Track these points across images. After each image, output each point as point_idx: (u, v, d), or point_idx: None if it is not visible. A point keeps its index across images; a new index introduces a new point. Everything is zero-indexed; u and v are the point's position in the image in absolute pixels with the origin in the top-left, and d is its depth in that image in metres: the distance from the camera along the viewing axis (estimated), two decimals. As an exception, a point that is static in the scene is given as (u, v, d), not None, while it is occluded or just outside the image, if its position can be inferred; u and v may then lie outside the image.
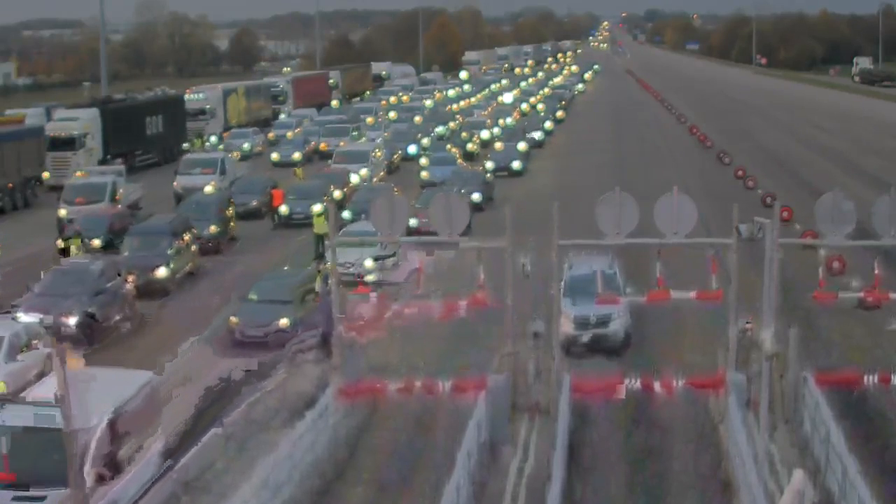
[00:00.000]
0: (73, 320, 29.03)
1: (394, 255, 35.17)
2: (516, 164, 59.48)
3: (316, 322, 28.42)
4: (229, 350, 28.01)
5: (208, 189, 48.18)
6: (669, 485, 20.34)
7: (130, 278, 32.41)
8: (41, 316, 28.66)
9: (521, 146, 65.17)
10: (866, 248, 26.50)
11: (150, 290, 33.80)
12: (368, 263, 34.33)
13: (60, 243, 37.33)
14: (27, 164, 53.63)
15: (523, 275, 25.11)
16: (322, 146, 67.43)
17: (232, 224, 42.88)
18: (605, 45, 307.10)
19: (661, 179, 47.34)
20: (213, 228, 40.70)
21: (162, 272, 34.49)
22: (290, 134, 73.78)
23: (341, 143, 63.54)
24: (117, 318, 30.86)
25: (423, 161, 58.15)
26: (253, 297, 30.11)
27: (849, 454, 18.44)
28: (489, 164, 58.45)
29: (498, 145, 65.85)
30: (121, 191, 46.51)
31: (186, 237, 37.16)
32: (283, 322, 28.85)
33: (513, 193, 47.57)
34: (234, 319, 29.22)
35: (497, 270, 23.95)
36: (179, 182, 51.32)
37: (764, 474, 19.49)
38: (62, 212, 43.86)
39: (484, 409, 21.49)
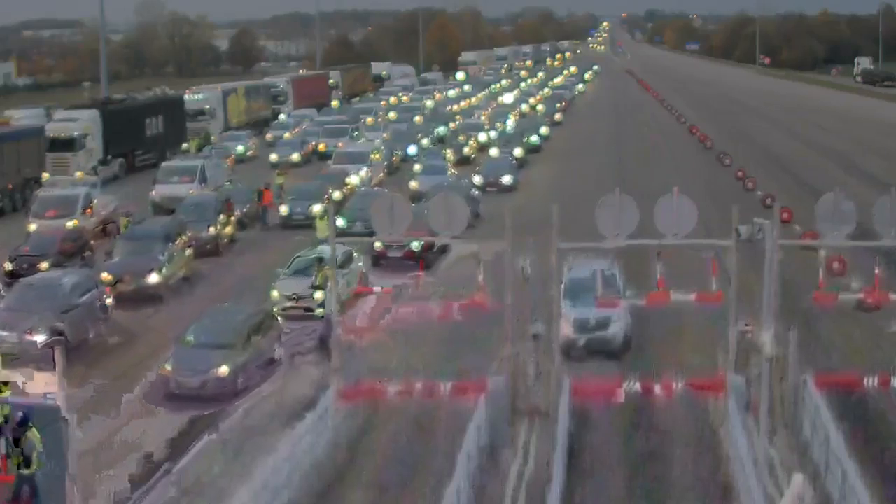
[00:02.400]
0: (39, 338, 27.06)
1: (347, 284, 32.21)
2: (506, 179, 53.98)
3: (261, 368, 26.41)
4: (164, 404, 24.99)
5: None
6: (669, 488, 20.30)
7: (108, 290, 31.20)
8: (4, 334, 27.09)
9: (517, 152, 63.03)
10: (866, 248, 26.41)
11: (142, 296, 32.98)
12: (319, 295, 30.91)
13: (7, 265, 35.43)
14: (27, 165, 53.50)
15: (523, 277, 25.04)
16: (321, 147, 67.00)
17: (230, 226, 42.21)
18: (603, 47, 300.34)
19: (661, 181, 47.26)
20: (211, 230, 40.20)
21: (154, 278, 33.62)
22: (287, 135, 73.02)
23: (339, 144, 63.37)
24: (91, 335, 29.34)
25: (417, 167, 55.76)
26: (189, 339, 26.58)
27: (848, 458, 18.40)
28: (477, 179, 53.24)
29: (493, 152, 62.82)
30: (95, 202, 43.90)
31: (181, 241, 36.36)
32: (223, 370, 25.30)
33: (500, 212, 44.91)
34: (167, 367, 25.67)
35: (497, 273, 23.85)
36: (157, 191, 49.07)
37: (764, 478, 19.45)
38: (32, 226, 40.93)
39: (484, 412, 21.45)
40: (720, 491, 19.86)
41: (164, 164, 54.42)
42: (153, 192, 49.07)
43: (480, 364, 25.14)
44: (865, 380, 22.50)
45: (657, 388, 22.58)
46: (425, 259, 34.93)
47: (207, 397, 24.97)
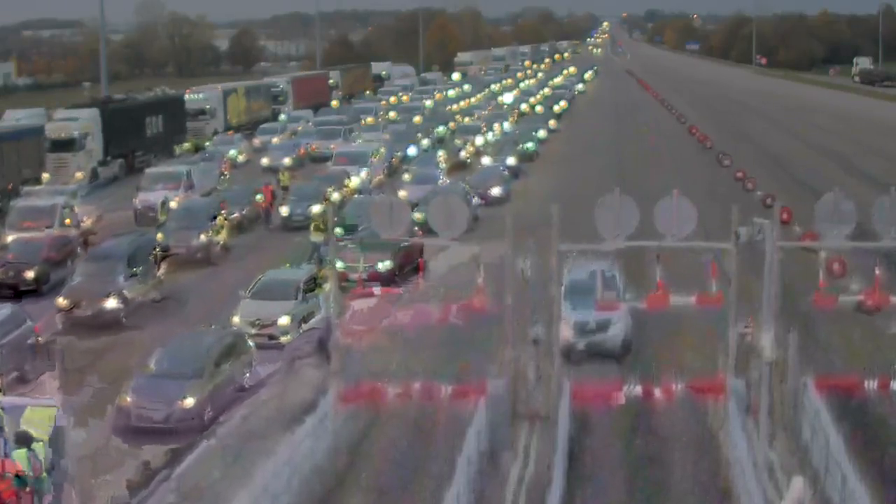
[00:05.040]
0: None
1: (313, 312, 30.16)
2: (496, 191, 50.23)
3: (229, 397, 24.76)
4: (125, 439, 23.06)
5: (173, 205, 44.52)
6: (669, 492, 20.26)
7: (37, 329, 28.21)
8: None
9: (511, 160, 59.75)
10: (866, 249, 26.34)
11: (99, 323, 30.76)
12: (284, 321, 29.24)
13: None
14: (27, 166, 53.39)
15: (523, 279, 24.95)
16: (312, 148, 65.90)
17: (223, 232, 40.32)
18: (600, 49, 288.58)
19: (661, 181, 47.16)
20: (202, 237, 38.62)
21: (111, 303, 31.22)
22: (275, 140, 71.18)
23: (332, 146, 62.98)
24: (13, 376, 26.26)
25: (406, 177, 52.75)
26: (151, 368, 24.80)
27: (848, 461, 18.35)
28: None
29: (485, 160, 59.99)
30: (77, 211, 41.93)
31: (153, 257, 34.13)
32: (188, 402, 23.57)
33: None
34: (127, 398, 23.75)
35: (497, 275, 23.75)
36: (140, 199, 46.72)
37: (763, 481, 19.41)
38: (9, 237, 38.44)
39: (484, 416, 21.40)
40: (720, 494, 19.84)
41: (147, 170, 52.84)
42: (136, 200, 46.89)
43: (480, 366, 25.06)
44: (866, 383, 22.44)
45: (657, 392, 22.52)
46: (394, 282, 33.07)
47: (171, 431, 23.16)
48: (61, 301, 31.33)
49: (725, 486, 19.97)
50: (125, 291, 31.90)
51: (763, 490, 18.76)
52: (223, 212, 41.32)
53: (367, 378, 23.75)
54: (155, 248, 35.03)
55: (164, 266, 34.84)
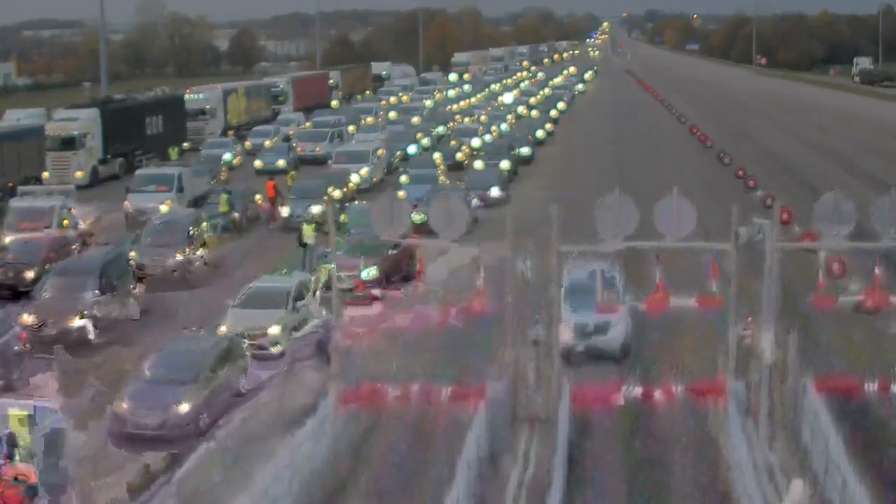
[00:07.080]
0: None
1: (305, 320, 29.35)
2: (495, 192, 49.80)
3: (225, 402, 24.22)
4: (120, 445, 22.45)
5: (163, 208, 43.54)
6: (669, 494, 20.23)
7: (24, 336, 27.32)
8: None
9: (504, 164, 57.44)
10: (865, 249, 26.28)
11: (66, 342, 28.14)
12: (274, 330, 28.26)
13: None
14: (27, 164, 53.45)
15: (523, 281, 24.90)
16: (298, 150, 65.13)
17: (203, 247, 38.22)
18: (598, 52, 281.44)
19: (661, 180, 47.09)
20: (178, 256, 36.26)
21: (78, 323, 29.30)
22: (268, 143, 70.27)
23: (317, 149, 63.20)
24: None
25: (403, 179, 52.16)
26: (146, 374, 24.23)
27: (848, 463, 18.34)
28: None
29: (478, 165, 58.19)
30: (74, 212, 41.07)
31: (129, 272, 32.64)
32: (183, 408, 23.03)
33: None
34: (122, 405, 23.17)
35: (498, 277, 23.72)
36: (130, 201, 45.51)
37: (763, 483, 19.38)
38: (6, 238, 38.02)
39: (484, 419, 21.36)
40: (720, 497, 19.81)
41: (138, 171, 51.98)
42: (126, 203, 45.74)
43: (480, 369, 24.99)
44: (866, 384, 22.42)
45: (657, 394, 22.50)
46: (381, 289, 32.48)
47: (168, 438, 22.66)
48: (26, 318, 29.29)
49: (725, 489, 19.94)
50: (95, 310, 29.97)
51: (763, 492, 18.74)
52: (206, 222, 39.63)
53: (366, 380, 23.69)
54: (129, 262, 33.50)
55: (139, 286, 33.06)
